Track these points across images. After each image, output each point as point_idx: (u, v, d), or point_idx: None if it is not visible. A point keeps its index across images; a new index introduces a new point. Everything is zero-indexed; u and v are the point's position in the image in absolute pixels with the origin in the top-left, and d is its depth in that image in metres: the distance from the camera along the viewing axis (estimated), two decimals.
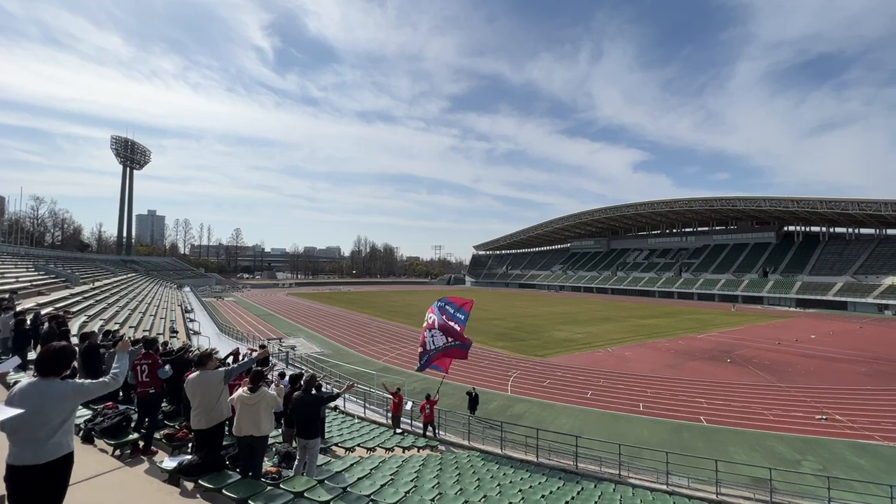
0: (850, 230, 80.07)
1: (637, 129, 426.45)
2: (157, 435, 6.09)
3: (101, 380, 3.16)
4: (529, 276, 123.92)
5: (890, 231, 75.16)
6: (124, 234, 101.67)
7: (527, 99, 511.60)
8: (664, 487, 10.91)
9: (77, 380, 3.07)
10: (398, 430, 13.37)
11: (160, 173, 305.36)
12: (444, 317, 14.12)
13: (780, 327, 45.97)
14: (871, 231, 77.39)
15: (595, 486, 10.18)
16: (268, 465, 6.03)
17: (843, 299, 65.29)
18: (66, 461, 2.89)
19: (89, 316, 21.54)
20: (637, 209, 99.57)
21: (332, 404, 14.11)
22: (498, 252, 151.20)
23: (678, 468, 11.50)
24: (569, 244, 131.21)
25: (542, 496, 7.98)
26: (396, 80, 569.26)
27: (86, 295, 28.58)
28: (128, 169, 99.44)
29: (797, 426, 16.79)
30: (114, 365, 3.37)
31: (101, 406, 6.36)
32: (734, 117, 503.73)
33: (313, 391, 6.71)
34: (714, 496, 10.50)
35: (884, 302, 60.99)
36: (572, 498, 8.38)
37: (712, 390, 21.57)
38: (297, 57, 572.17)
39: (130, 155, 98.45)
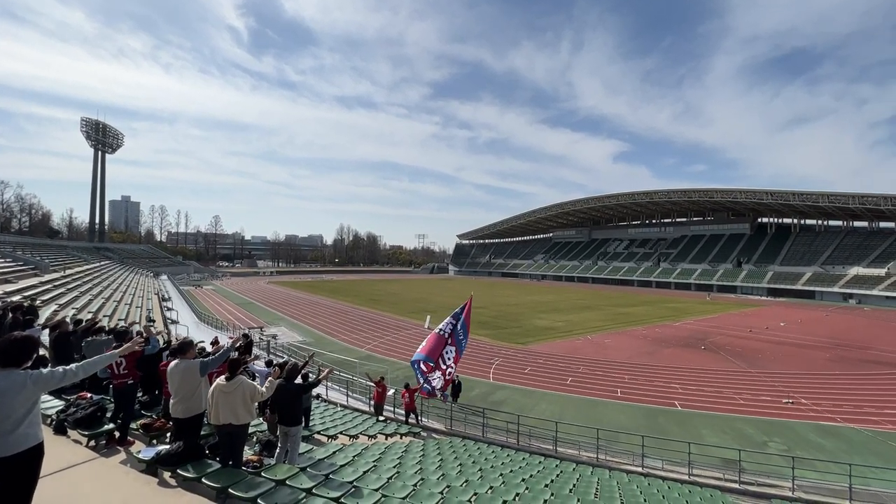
0: (820, 222, 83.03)
1: (617, 120, 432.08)
2: (133, 425, 5.97)
3: (59, 369, 2.98)
4: (512, 265, 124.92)
5: (857, 223, 78.22)
6: (97, 221, 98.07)
7: (508, 87, 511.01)
8: (639, 469, 11.29)
9: (43, 373, 2.96)
10: (381, 418, 13.45)
11: (133, 157, 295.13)
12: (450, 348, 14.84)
13: (752, 315, 47.63)
14: (840, 223, 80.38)
15: (574, 468, 10.46)
16: (248, 453, 5.99)
17: (811, 288, 67.94)
18: (36, 452, 2.81)
19: (60, 304, 20.87)
20: (618, 199, 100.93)
21: (314, 392, 14.06)
22: (481, 241, 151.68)
23: (653, 451, 11.90)
24: (551, 234, 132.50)
25: (523, 479, 8.15)
26: (376, 64, 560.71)
27: (56, 283, 27.63)
28: (99, 153, 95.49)
29: (765, 409, 17.53)
30: (88, 360, 3.23)
31: (74, 396, 6.19)
32: (711, 110, 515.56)
33: (301, 379, 6.66)
34: (686, 477, 10.93)
35: (848, 291, 63.73)
36: (552, 481, 8.58)
37: (687, 376, 22.29)
38: (273, 38, 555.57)
39: (102, 138, 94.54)
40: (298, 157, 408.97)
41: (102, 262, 62.60)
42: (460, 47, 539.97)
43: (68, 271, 37.21)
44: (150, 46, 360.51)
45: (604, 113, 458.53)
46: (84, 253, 68.57)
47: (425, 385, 13.95)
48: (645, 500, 7.87)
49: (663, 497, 8.46)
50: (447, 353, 14.56)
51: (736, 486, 10.55)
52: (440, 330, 15.03)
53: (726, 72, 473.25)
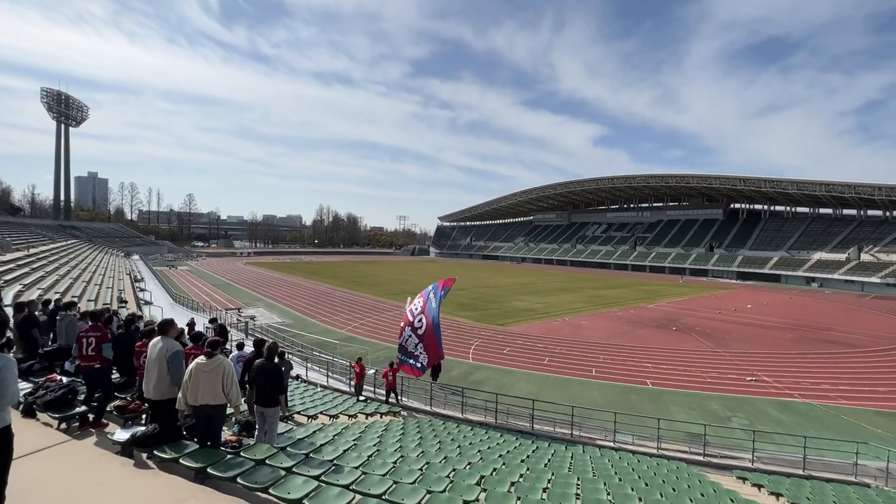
0: (788, 209, 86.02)
1: (597, 104, 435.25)
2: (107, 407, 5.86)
3: (16, 392, 2.89)
4: (493, 247, 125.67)
5: (822, 210, 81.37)
6: (62, 198, 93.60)
7: (490, 67, 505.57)
8: (611, 444, 11.77)
9: (14, 372, 2.85)
10: (361, 398, 13.55)
11: (99, 131, 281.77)
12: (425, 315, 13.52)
13: (721, 298, 49.46)
14: (806, 210, 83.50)
15: (549, 445, 10.82)
16: (227, 434, 5.96)
17: (777, 272, 70.80)
18: (4, 435, 2.74)
19: (25, 285, 20.03)
20: (598, 184, 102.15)
21: (293, 373, 14.04)
22: (462, 223, 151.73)
23: (624, 427, 12.40)
24: (531, 217, 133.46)
25: (500, 455, 8.40)
26: (354, 39, 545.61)
27: (20, 262, 26.45)
28: (62, 125, 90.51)
29: (730, 387, 18.41)
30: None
31: (43, 379, 6.01)
32: (689, 96, 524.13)
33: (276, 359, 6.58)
34: (655, 451, 11.46)
35: (811, 275, 66.71)
36: (528, 456, 8.87)
37: (658, 356, 23.12)
38: (244, 8, 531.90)
39: (65, 110, 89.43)
40: (275, 135, 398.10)
41: (69, 241, 60.08)
42: (441, 24, 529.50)
43: (32, 250, 35.63)
44: (111, 12, 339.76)
45: (584, 96, 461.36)
46: (49, 231, 65.66)
47: (411, 361, 13.10)
48: (616, 473, 8.23)
49: (633, 470, 8.86)
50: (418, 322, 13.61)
51: (700, 458, 11.15)
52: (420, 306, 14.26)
53: (704, 57, 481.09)
